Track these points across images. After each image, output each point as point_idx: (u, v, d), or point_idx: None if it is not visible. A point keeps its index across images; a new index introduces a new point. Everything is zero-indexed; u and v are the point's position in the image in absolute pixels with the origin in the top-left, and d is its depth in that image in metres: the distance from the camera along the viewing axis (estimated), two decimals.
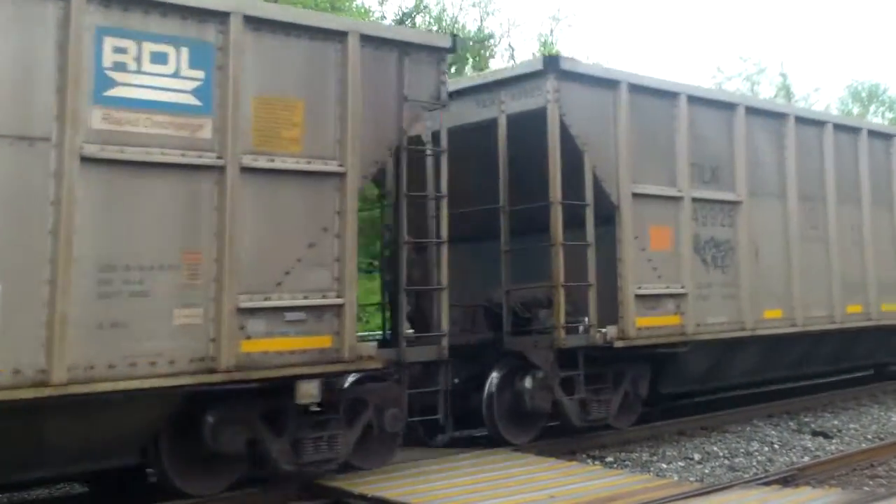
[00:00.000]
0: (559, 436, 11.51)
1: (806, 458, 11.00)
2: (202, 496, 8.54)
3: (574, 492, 8.57)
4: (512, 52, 35.41)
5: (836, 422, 13.62)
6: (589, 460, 10.97)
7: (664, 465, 10.79)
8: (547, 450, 10.96)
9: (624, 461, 11.01)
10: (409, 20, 32.32)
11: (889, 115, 60.42)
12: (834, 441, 12.25)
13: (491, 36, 34.67)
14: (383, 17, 31.42)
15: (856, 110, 58.11)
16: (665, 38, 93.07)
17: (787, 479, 9.42)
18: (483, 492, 8.61)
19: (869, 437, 12.54)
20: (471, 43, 33.15)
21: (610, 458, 11.11)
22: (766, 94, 46.97)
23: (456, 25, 33.53)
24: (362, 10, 30.24)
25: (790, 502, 8.01)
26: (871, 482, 9.80)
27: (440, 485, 8.90)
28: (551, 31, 37.59)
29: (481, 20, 35.44)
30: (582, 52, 46.23)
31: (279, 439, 8.77)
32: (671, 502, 8.17)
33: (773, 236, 13.67)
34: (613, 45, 77.80)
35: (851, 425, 13.33)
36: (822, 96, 53.19)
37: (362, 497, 8.60)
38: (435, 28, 32.56)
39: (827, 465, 10.29)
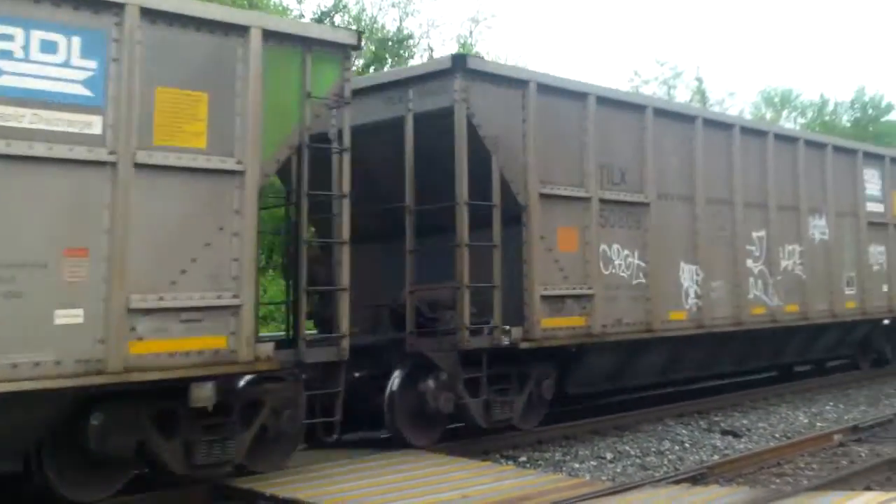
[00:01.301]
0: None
1: (715, 457, 11.09)
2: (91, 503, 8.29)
3: (487, 491, 8.54)
4: (431, 53, 35.34)
5: (745, 421, 13.76)
6: (502, 460, 10.95)
7: (577, 465, 10.80)
8: (460, 450, 10.90)
9: (537, 461, 11.01)
10: (327, 19, 32.08)
11: (801, 120, 61.79)
12: (743, 440, 12.38)
13: (410, 36, 34.60)
14: (301, 16, 31.15)
15: (769, 115, 59.31)
16: (583, 41, 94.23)
17: (697, 478, 9.51)
18: (396, 492, 8.53)
19: (777, 435, 12.69)
20: (390, 43, 33.06)
21: (523, 458, 11.10)
22: (682, 98, 47.59)
23: (375, 25, 33.38)
24: (280, 9, 29.95)
25: (699, 500, 8.04)
26: (777, 480, 9.91)
27: (352, 485, 8.80)
28: (470, 33, 37.65)
29: (401, 20, 35.34)
30: (501, 53, 46.25)
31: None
32: (583, 501, 8.18)
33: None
34: (533, 48, 78.54)
35: (760, 424, 13.48)
36: (737, 101, 54.15)
37: (274, 498, 8.46)
38: (353, 28, 32.36)
39: (735, 464, 10.38)
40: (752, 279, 15.01)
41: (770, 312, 15.38)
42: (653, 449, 11.68)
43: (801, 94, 65.32)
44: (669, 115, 13.96)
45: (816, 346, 17.66)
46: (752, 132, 15.79)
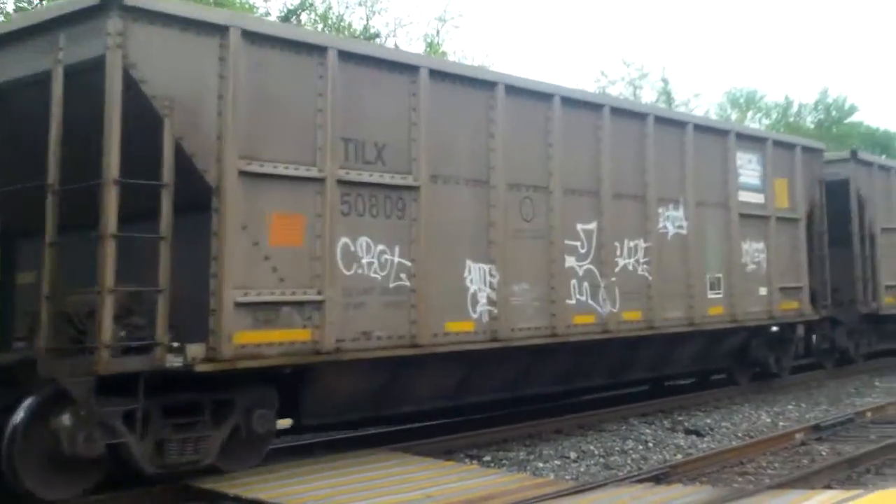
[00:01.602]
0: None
1: (679, 456, 11.14)
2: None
3: (450, 491, 8.54)
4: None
5: (708, 420, 13.84)
6: (466, 459, 10.94)
7: (541, 464, 10.81)
8: (423, 449, 10.88)
9: (501, 460, 11.02)
10: (294, 17, 31.95)
11: (766, 120, 62.30)
12: (706, 439, 12.45)
13: (377, 35, 34.47)
14: (268, 14, 30.98)
15: (734, 116, 59.72)
16: (552, 41, 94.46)
17: (660, 477, 9.55)
18: (359, 492, 8.51)
19: (739, 435, 12.76)
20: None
21: (487, 458, 11.11)
22: (648, 98, 47.72)
23: (342, 24, 33.26)
24: (247, 6, 29.76)
25: (661, 499, 8.09)
26: (740, 479, 9.97)
27: (316, 485, 8.77)
28: (437, 32, 37.58)
29: (367, 19, 35.24)
30: (469, 53, 46.27)
31: None
32: (546, 501, 8.19)
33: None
34: (500, 47, 78.68)
35: (723, 424, 13.56)
36: (703, 102, 54.47)
37: (237, 499, 8.43)
38: (321, 27, 32.23)
39: (698, 463, 10.43)
40: (574, 281, 12.39)
41: (601, 321, 12.76)
42: (616, 448, 11.73)
43: (765, 95, 65.91)
44: (455, 79, 11.28)
45: (673, 359, 15.03)
46: (583, 105, 13.11)
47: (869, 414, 13.83)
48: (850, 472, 9.94)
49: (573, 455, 11.27)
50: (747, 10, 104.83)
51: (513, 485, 8.90)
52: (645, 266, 13.55)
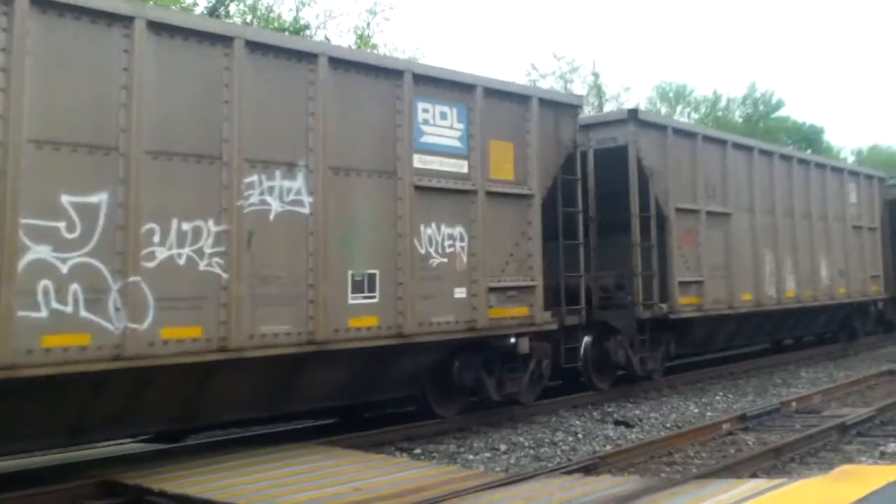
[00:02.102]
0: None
1: (608, 447, 11.21)
2: None
3: (380, 484, 8.52)
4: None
5: (637, 411, 13.96)
6: (397, 452, 10.92)
7: (471, 457, 10.83)
8: (354, 442, 10.82)
9: (431, 453, 11.02)
10: (222, 8, 31.58)
11: (695, 115, 62.97)
12: (635, 430, 12.55)
13: (307, 27, 34.16)
14: (195, 5, 30.57)
15: (664, 110, 60.24)
16: (484, 34, 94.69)
17: (589, 468, 9.60)
18: (287, 485, 8.45)
19: (668, 425, 12.90)
20: (286, 34, 32.59)
21: (418, 450, 11.10)
22: (578, 92, 47.94)
23: (271, 15, 32.94)
24: None
25: (590, 490, 8.11)
26: (668, 469, 10.07)
27: (243, 479, 8.69)
28: (368, 25, 37.35)
29: (297, 10, 34.92)
30: (400, 46, 46.09)
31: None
32: (475, 493, 8.18)
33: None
34: (431, 40, 78.62)
35: (652, 415, 13.69)
36: (633, 96, 54.72)
37: (163, 494, 8.32)
38: (249, 18, 31.90)
39: (627, 454, 10.51)
40: (49, 282, 8.30)
41: (112, 343, 8.65)
42: (546, 440, 11.78)
43: (695, 89, 66.62)
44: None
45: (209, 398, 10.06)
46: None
47: (794, 404, 14.04)
48: (776, 461, 10.08)
49: (503, 447, 11.30)
50: (677, 4, 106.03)
51: (443, 477, 8.90)
52: (217, 259, 9.53)
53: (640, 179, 15.73)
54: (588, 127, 15.97)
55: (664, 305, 15.88)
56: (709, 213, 17.14)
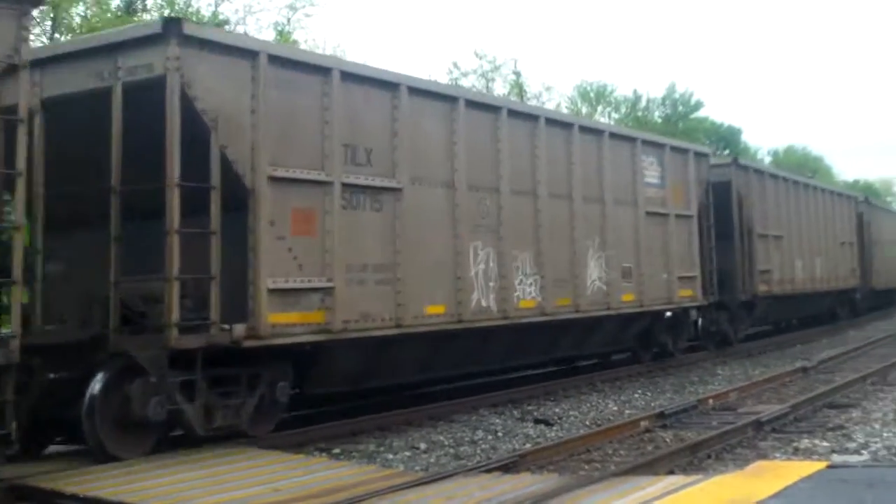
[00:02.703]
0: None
1: (527, 446, 11.22)
2: None
3: (299, 484, 8.44)
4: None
5: (557, 409, 14.02)
6: (316, 452, 10.81)
7: (391, 456, 10.78)
8: (272, 443, 10.69)
9: (351, 452, 10.94)
10: (139, 2, 31.12)
11: (616, 115, 63.58)
12: (555, 428, 12.60)
13: (226, 22, 33.77)
14: None
15: (585, 110, 60.73)
16: (405, 31, 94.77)
17: (509, 466, 9.59)
18: (203, 487, 8.32)
19: (587, 423, 12.96)
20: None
21: (337, 450, 11.01)
22: (500, 91, 48.10)
23: (189, 10, 32.48)
24: None
25: (510, 488, 8.11)
26: (587, 466, 10.12)
27: (158, 482, 8.51)
28: (288, 20, 37.05)
29: (216, 5, 34.52)
30: (321, 42, 45.80)
31: None
32: (394, 492, 8.13)
33: None
34: (353, 37, 78.43)
35: (571, 413, 13.75)
36: (554, 95, 55.01)
37: (74, 497, 8.12)
38: (167, 12, 31.41)
39: (547, 452, 10.53)
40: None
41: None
42: (466, 438, 11.77)
43: (615, 89, 67.20)
44: None
45: None
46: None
47: (711, 401, 14.22)
48: (692, 458, 10.18)
49: (423, 446, 11.27)
50: (598, 4, 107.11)
51: (362, 476, 8.84)
52: None
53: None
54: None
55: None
56: None
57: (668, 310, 19.26)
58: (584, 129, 16.81)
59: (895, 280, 40.10)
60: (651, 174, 18.54)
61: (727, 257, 21.98)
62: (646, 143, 18.65)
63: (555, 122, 16.01)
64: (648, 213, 18.17)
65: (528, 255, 14.74)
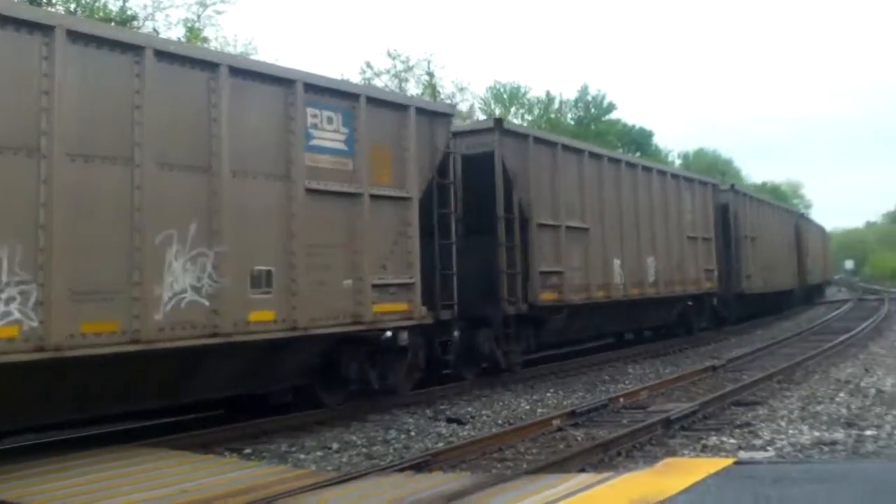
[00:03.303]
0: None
1: (440, 445, 11.23)
2: None
3: (207, 485, 8.32)
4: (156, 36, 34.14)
5: (470, 409, 14.04)
6: (226, 453, 10.70)
7: (302, 456, 10.72)
8: (181, 443, 10.53)
9: (262, 452, 10.85)
10: None
11: (529, 116, 63.88)
12: (467, 427, 12.62)
13: (134, 17, 33.18)
14: None
15: (498, 111, 60.91)
16: (318, 29, 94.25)
17: (421, 465, 9.58)
18: (110, 489, 8.17)
19: (500, 422, 12.99)
20: (113, 24, 31.68)
21: (248, 450, 10.91)
22: (413, 92, 47.97)
23: (97, 4, 31.86)
24: None
25: (422, 487, 8.09)
26: (499, 465, 10.14)
27: (61, 484, 8.36)
28: (198, 17, 36.51)
29: (124, 1, 33.88)
30: (231, 40, 45.21)
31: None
32: (306, 492, 8.07)
33: None
34: (265, 35, 77.82)
35: (484, 412, 13.78)
36: (468, 96, 54.92)
37: None
38: (73, 7, 30.79)
39: (459, 451, 10.53)
40: None
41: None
42: (379, 438, 11.73)
43: (529, 90, 67.52)
44: None
45: None
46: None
47: (622, 400, 14.36)
48: (603, 456, 10.26)
49: (335, 446, 11.21)
50: (512, 4, 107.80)
51: (273, 477, 8.75)
52: None
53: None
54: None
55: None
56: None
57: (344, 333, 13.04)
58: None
59: (775, 283, 34.96)
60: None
61: (487, 256, 16.59)
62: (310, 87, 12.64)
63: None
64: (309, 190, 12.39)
65: None
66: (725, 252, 23.08)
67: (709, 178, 29.49)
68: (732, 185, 23.51)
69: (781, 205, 36.46)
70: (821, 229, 59.20)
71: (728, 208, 21.52)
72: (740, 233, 22.61)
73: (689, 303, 25.29)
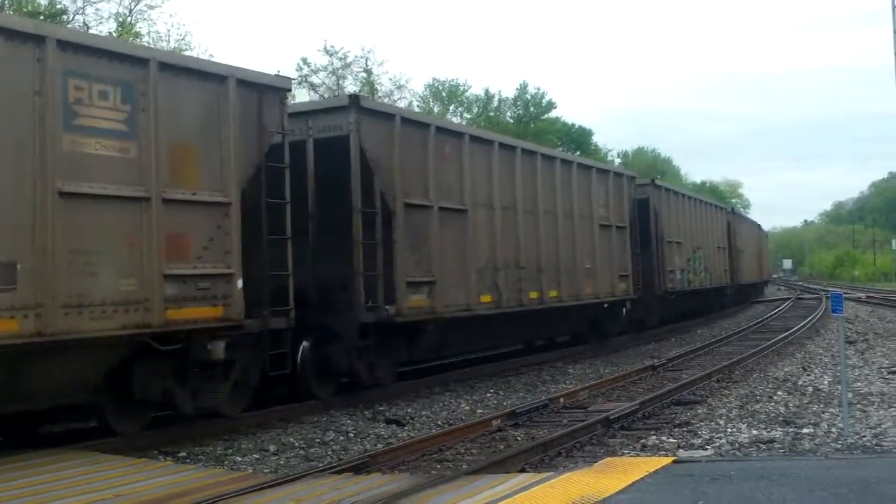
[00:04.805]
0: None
1: (379, 446, 11.15)
2: None
3: (142, 489, 8.20)
4: (87, 31, 33.54)
5: (409, 409, 13.97)
6: (161, 456, 10.54)
7: (239, 458, 10.58)
8: (115, 446, 10.33)
9: (198, 455, 10.70)
10: None
11: (468, 115, 63.96)
12: (406, 428, 12.55)
13: (63, 12, 32.63)
14: None
15: (437, 109, 60.93)
16: (253, 26, 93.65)
17: (360, 467, 9.52)
18: (42, 493, 8.00)
19: (439, 423, 12.95)
20: (41, 18, 31.12)
21: (183, 454, 10.75)
22: (351, 89, 47.71)
23: None
24: None
25: (361, 489, 8.04)
26: (438, 466, 10.09)
27: None
28: (130, 11, 35.98)
29: None
30: (164, 35, 44.66)
31: None
32: (243, 495, 7.98)
33: None
34: (200, 29, 77.15)
35: (424, 412, 13.72)
36: (406, 94, 54.83)
37: None
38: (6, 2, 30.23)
39: (398, 452, 10.47)
40: None
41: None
42: (317, 440, 11.62)
43: (469, 87, 67.59)
44: None
45: None
46: None
47: (562, 400, 14.37)
48: (543, 456, 10.26)
49: (273, 448, 11.08)
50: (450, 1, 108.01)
51: (209, 480, 8.66)
52: None
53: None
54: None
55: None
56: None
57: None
58: None
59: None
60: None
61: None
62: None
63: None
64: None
65: None
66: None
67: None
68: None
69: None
70: (757, 227, 59.80)
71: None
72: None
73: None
